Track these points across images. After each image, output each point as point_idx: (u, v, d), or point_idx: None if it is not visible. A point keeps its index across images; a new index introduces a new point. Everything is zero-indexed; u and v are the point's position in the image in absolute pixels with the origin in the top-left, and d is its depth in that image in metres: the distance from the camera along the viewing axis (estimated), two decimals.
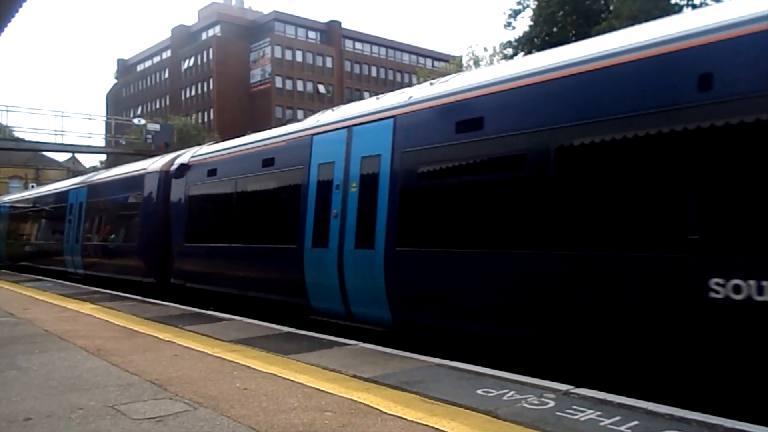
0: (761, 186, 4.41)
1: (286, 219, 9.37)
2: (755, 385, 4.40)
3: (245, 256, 10.39)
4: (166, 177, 13.39)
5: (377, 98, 9.03)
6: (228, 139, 12.86)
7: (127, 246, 14.79)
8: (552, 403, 4.41)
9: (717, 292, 4.43)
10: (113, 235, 15.85)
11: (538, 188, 5.90)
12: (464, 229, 6.75)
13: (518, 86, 6.27)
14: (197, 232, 12.08)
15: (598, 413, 4.13)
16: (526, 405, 4.39)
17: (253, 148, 10.75)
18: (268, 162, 10.02)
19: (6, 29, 9.35)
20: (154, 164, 14.49)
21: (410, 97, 7.75)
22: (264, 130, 11.83)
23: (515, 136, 6.16)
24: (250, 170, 10.50)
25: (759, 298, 4.21)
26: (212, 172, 11.73)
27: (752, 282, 4.26)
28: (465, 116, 6.73)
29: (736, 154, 4.63)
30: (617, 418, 4.02)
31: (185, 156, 13.31)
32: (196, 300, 11.72)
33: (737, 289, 4.33)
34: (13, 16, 8.78)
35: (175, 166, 13.08)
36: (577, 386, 4.80)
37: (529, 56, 6.71)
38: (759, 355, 4.30)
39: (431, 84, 8.09)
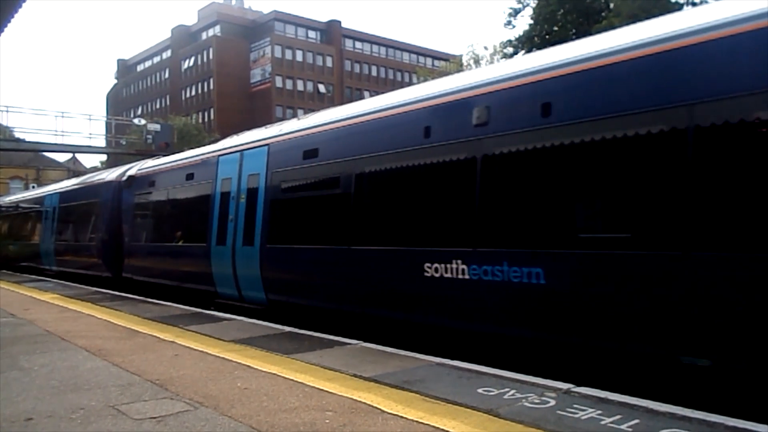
0: (441, 212, 7.04)
1: (201, 222, 11.61)
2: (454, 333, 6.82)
3: (173, 254, 12.90)
4: (119, 186, 15.78)
5: (266, 128, 11.72)
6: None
7: (89, 245, 17.14)
8: (553, 402, 4.41)
9: (427, 269, 6.81)
10: (79, 236, 18.25)
11: (345, 202, 8.26)
12: (305, 230, 9.21)
13: (334, 128, 8.76)
14: (140, 234, 14.61)
15: (599, 412, 4.13)
16: (526, 404, 4.39)
17: (180, 164, 13.22)
18: (190, 176, 12.46)
19: (6, 29, 9.34)
20: (110, 175, 17.07)
21: (281, 130, 10.18)
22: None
23: (334, 164, 8.51)
24: (178, 182, 12.95)
25: (446, 274, 6.61)
26: (151, 183, 14.24)
27: (449, 264, 6.59)
28: (308, 147, 9.07)
29: (429, 193, 7.18)
30: (618, 416, 4.02)
31: (134, 169, 15.73)
32: (145, 291, 13.72)
33: (444, 268, 6.65)
34: (12, 16, 8.77)
35: (124, 178, 15.58)
36: (578, 385, 4.80)
37: (353, 104, 9.68)
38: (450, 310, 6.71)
39: (298, 119, 10.52)
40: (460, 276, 6.43)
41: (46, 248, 20.54)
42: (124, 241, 15.02)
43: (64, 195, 19.88)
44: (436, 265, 6.73)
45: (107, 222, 15.93)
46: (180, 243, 12.60)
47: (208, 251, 11.16)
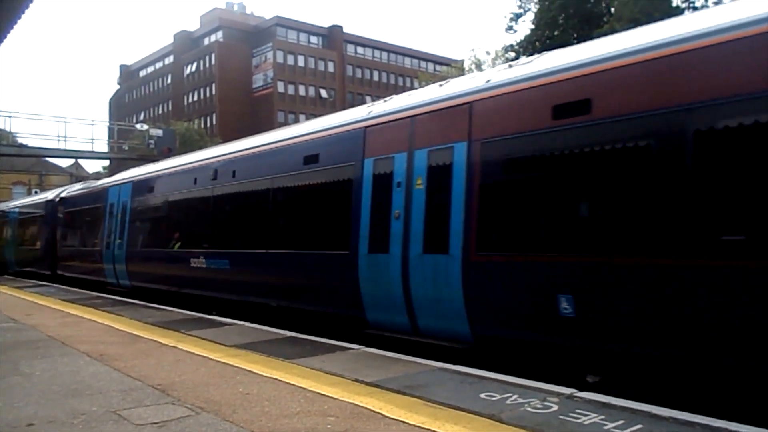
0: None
1: (98, 232, 16.93)
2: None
3: (84, 255, 18.10)
4: (54, 204, 21.00)
5: (138, 168, 17.50)
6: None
7: (36, 249, 22.63)
8: (555, 407, 4.39)
9: (192, 262, 11.63)
10: (30, 241, 23.81)
11: (163, 221, 13.45)
12: (146, 239, 14.35)
13: (161, 174, 14.13)
14: (66, 241, 19.98)
15: (602, 417, 4.12)
16: (529, 409, 4.38)
17: (89, 190, 18.93)
18: (95, 199, 17.66)
19: (9, 35, 9.38)
20: (50, 195, 22.79)
21: (140, 172, 15.77)
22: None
23: (159, 196, 13.74)
24: (86, 204, 18.32)
25: (198, 265, 11.46)
26: (73, 203, 19.66)
27: (198, 259, 11.46)
28: (150, 185, 14.32)
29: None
30: (621, 421, 4.01)
31: (65, 192, 21.43)
32: (70, 283, 18.42)
33: (197, 261, 11.51)
34: (15, 23, 8.81)
35: (57, 198, 20.99)
36: (581, 390, 4.78)
37: (171, 158, 15.94)
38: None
39: (154, 163, 15.85)
40: (203, 266, 11.30)
41: (9, 252, 26.11)
42: (58, 246, 20.33)
43: (22, 209, 25.70)
44: (194, 259, 11.57)
45: (47, 231, 21.21)
46: (88, 248, 17.61)
47: (101, 253, 16.37)
